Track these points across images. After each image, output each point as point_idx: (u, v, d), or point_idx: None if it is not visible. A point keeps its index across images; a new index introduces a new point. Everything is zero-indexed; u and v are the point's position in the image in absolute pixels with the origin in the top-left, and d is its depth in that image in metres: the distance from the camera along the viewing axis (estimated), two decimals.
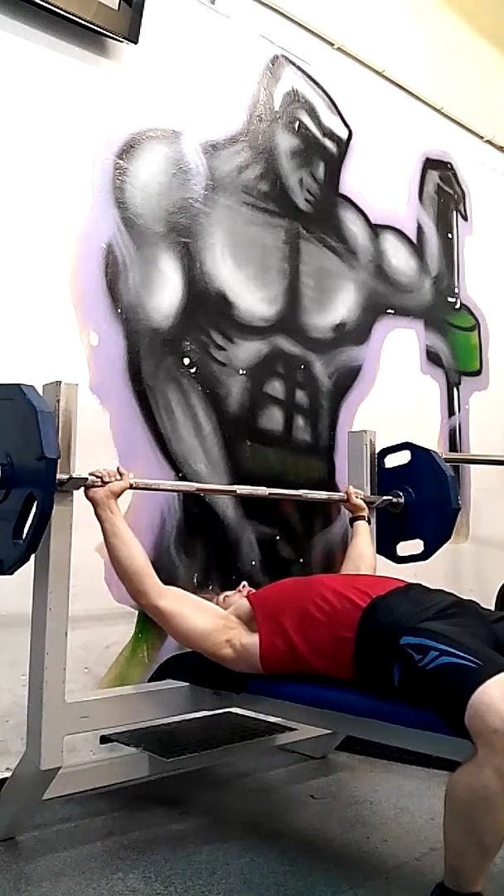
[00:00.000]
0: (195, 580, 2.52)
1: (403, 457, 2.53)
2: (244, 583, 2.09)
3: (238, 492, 2.25)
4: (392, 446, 2.57)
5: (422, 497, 2.45)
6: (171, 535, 2.48)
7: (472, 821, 1.30)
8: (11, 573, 1.62)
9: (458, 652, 1.40)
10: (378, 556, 2.41)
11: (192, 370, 2.60)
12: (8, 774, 1.78)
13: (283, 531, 2.80)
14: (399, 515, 2.47)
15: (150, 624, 2.39)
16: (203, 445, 2.61)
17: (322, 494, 2.51)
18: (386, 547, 2.49)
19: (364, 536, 2.35)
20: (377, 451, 2.55)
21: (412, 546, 2.49)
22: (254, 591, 2.04)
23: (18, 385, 1.60)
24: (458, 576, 3.33)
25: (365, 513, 2.38)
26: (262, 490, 2.20)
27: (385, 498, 2.45)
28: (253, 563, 2.69)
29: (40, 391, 1.78)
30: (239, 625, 1.82)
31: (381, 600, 1.68)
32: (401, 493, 2.47)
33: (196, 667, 1.96)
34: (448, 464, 2.49)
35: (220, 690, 1.94)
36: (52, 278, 2.31)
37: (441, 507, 2.40)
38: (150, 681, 2.15)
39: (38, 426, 1.48)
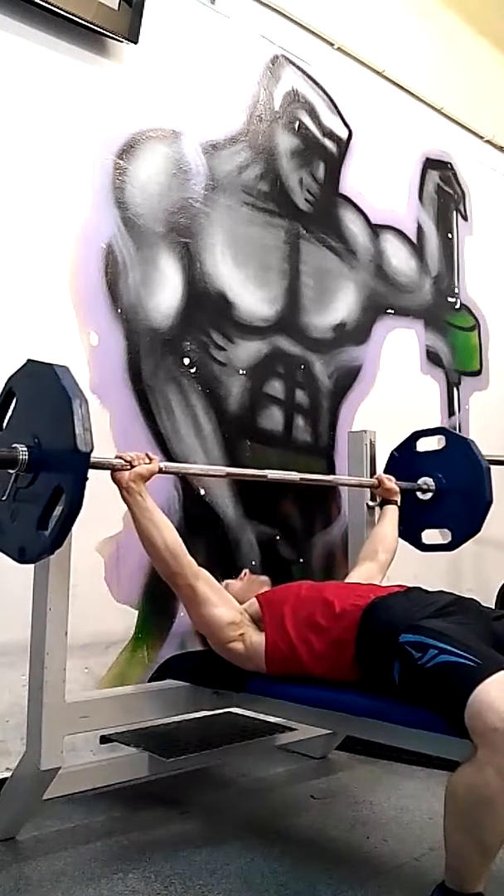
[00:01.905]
0: None
1: (433, 442, 2.48)
2: (246, 570, 2.10)
3: (269, 477, 2.12)
4: (426, 430, 2.53)
5: (454, 485, 2.38)
6: None
7: (472, 821, 1.30)
8: (33, 563, 1.60)
9: (457, 650, 1.40)
10: (401, 541, 2.39)
11: (192, 370, 2.60)
12: (8, 774, 1.78)
13: (283, 531, 2.80)
14: (427, 502, 2.42)
15: (150, 624, 2.39)
16: (203, 445, 2.60)
17: (353, 479, 2.45)
18: (411, 533, 2.45)
19: (392, 519, 2.32)
20: (413, 432, 2.51)
21: (438, 535, 2.45)
22: (256, 578, 2.04)
23: (52, 366, 1.53)
24: (458, 575, 3.33)
25: (397, 498, 2.35)
26: (294, 475, 2.14)
27: (417, 484, 2.40)
28: (253, 563, 2.68)
29: None
30: (249, 621, 1.83)
31: (380, 600, 1.69)
32: (432, 480, 2.41)
33: (196, 667, 1.97)
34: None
35: (221, 689, 1.94)
36: (52, 278, 2.31)
37: (473, 498, 2.33)
38: (150, 681, 2.14)
39: (72, 416, 1.39)
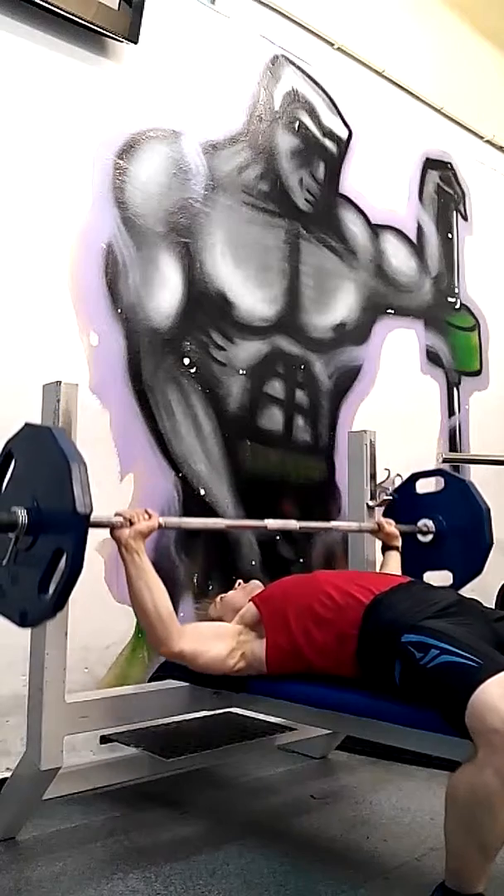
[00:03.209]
0: (195, 580, 2.52)
1: (432, 483, 2.47)
2: (239, 581, 2.10)
3: (269, 526, 2.11)
4: (424, 472, 2.51)
5: (454, 527, 2.36)
6: (171, 535, 2.48)
7: (473, 821, 1.30)
8: (33, 627, 1.60)
9: (458, 651, 1.40)
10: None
11: (192, 370, 2.60)
12: (8, 774, 1.78)
13: (283, 531, 2.80)
14: (428, 545, 2.39)
15: None
16: (203, 445, 2.60)
17: (352, 525, 2.41)
18: (413, 575, 2.40)
19: (395, 566, 2.28)
20: (411, 474, 2.49)
21: (440, 577, 2.44)
22: (249, 584, 2.04)
23: (49, 428, 1.54)
24: None
25: (398, 542, 2.30)
26: (293, 524, 2.13)
27: (417, 527, 2.38)
28: (253, 563, 2.69)
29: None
30: (247, 633, 1.82)
31: (383, 597, 1.68)
32: (432, 522, 2.39)
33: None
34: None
35: (221, 689, 1.94)
36: (52, 278, 2.31)
37: (474, 541, 2.31)
38: (150, 681, 2.14)
39: (70, 478, 1.37)
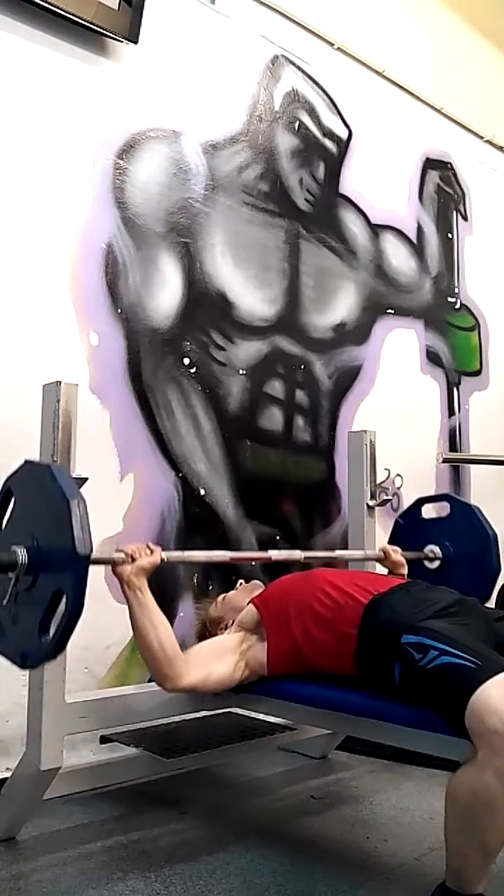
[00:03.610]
0: (195, 580, 2.52)
1: (437, 508, 2.45)
2: (241, 581, 2.09)
3: (273, 558, 2.08)
4: (430, 497, 2.49)
5: (461, 554, 2.32)
6: (171, 535, 2.48)
7: (473, 822, 1.30)
8: (34, 668, 1.59)
9: (457, 652, 1.40)
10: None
11: (192, 370, 2.60)
12: (8, 774, 1.78)
13: (283, 531, 2.80)
14: (435, 571, 2.35)
15: None
16: (203, 445, 2.61)
17: (357, 554, 2.36)
18: None
19: None
20: (417, 498, 2.47)
21: None
22: (250, 584, 2.04)
23: (48, 466, 1.52)
24: None
25: (405, 570, 2.26)
26: (298, 554, 2.09)
27: (424, 553, 2.35)
28: (253, 563, 2.68)
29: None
30: (248, 638, 1.81)
31: (382, 597, 1.68)
32: (438, 549, 2.35)
33: None
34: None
35: None
36: (52, 278, 2.31)
37: (481, 568, 2.27)
38: (150, 681, 2.14)
39: (70, 517, 1.35)
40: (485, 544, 2.28)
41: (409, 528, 2.46)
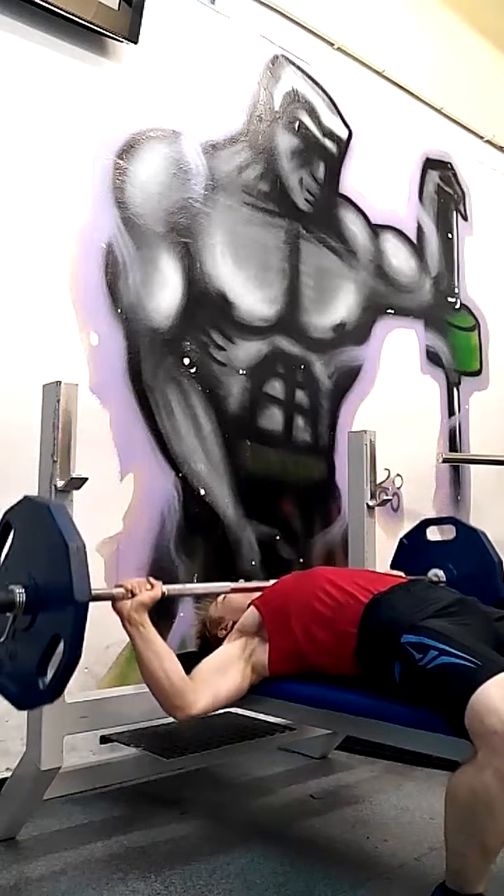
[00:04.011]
0: (195, 580, 2.52)
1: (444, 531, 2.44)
2: (241, 581, 2.09)
3: None
4: (436, 519, 2.47)
5: (465, 578, 2.28)
6: (171, 535, 2.48)
7: (473, 823, 1.30)
8: (30, 710, 1.58)
9: (457, 651, 1.40)
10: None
11: (192, 370, 2.60)
12: (8, 774, 1.78)
13: (283, 531, 2.80)
14: None
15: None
16: (203, 445, 2.61)
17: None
18: None
19: None
20: (422, 520, 2.46)
21: None
22: (249, 585, 2.04)
23: (48, 506, 1.48)
24: None
25: None
26: None
27: (429, 577, 2.32)
28: (253, 563, 2.69)
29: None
30: (250, 642, 1.80)
31: (382, 597, 1.68)
32: (442, 572, 2.33)
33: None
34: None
35: None
36: (52, 278, 2.31)
37: (485, 593, 2.17)
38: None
39: (68, 562, 1.33)
40: (489, 569, 2.25)
41: (413, 550, 2.44)
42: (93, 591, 1.37)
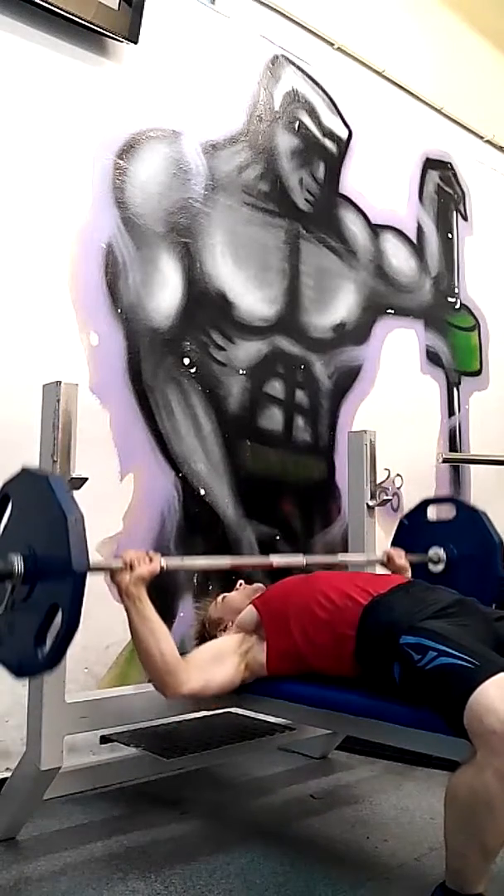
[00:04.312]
0: (195, 580, 2.52)
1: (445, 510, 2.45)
2: (241, 581, 2.09)
3: (275, 564, 2.05)
4: (436, 498, 2.48)
5: (465, 557, 2.31)
6: (171, 535, 2.48)
7: (473, 823, 1.30)
8: (29, 678, 1.59)
9: (455, 652, 1.40)
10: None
11: (192, 370, 2.60)
12: (8, 774, 1.78)
13: (283, 531, 2.80)
14: (439, 574, 2.34)
15: None
16: (203, 445, 2.61)
17: (360, 558, 2.36)
18: None
19: None
20: (423, 500, 2.46)
21: None
22: (251, 586, 2.04)
23: (47, 478, 1.49)
24: None
25: (408, 574, 2.24)
26: (300, 559, 2.08)
27: (429, 556, 2.35)
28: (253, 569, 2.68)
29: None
30: (247, 639, 1.81)
31: (381, 599, 1.68)
32: (443, 551, 2.35)
33: None
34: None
35: None
36: (52, 278, 2.31)
37: (486, 572, 2.25)
38: (150, 681, 2.14)
39: (67, 533, 1.35)
40: (490, 549, 2.27)
41: (414, 530, 2.45)
42: (91, 564, 1.39)
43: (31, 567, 1.43)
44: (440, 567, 2.36)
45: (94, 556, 2.19)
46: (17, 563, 1.43)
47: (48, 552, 1.41)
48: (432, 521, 2.46)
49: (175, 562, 1.88)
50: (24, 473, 1.55)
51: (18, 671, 1.49)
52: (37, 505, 1.47)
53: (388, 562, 2.25)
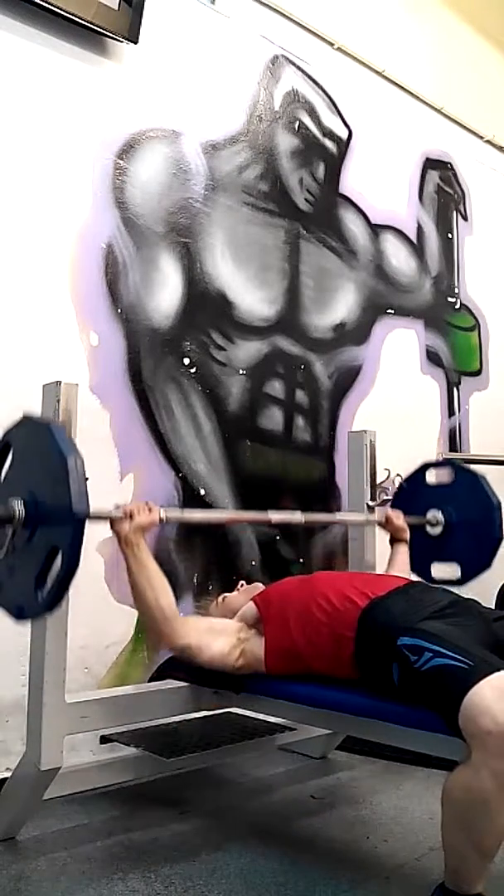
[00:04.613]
0: (195, 580, 2.52)
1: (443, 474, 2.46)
2: (242, 582, 2.09)
3: (272, 519, 2.09)
4: (434, 462, 2.50)
5: (463, 520, 2.33)
6: (170, 535, 2.48)
7: (469, 823, 1.30)
8: (30, 621, 1.61)
9: (450, 653, 1.40)
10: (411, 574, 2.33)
11: (192, 370, 2.60)
12: (8, 774, 1.78)
13: (283, 531, 2.80)
14: (437, 537, 2.37)
15: None
16: (203, 445, 2.61)
17: (359, 517, 2.38)
18: (420, 566, 2.40)
19: (403, 561, 2.26)
20: (422, 463, 2.48)
21: (448, 569, 2.42)
22: (251, 586, 2.04)
23: (48, 424, 1.53)
24: None
25: (406, 535, 2.28)
26: (298, 516, 2.11)
27: (427, 519, 2.36)
28: (253, 563, 2.69)
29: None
30: (247, 631, 1.82)
31: (380, 600, 1.68)
32: (441, 514, 2.37)
33: (196, 667, 1.96)
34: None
35: (221, 689, 1.94)
36: (52, 278, 2.31)
37: (483, 535, 2.28)
38: (150, 681, 2.14)
39: (67, 476, 1.37)
40: (488, 511, 2.29)
41: (413, 493, 2.47)
42: (91, 511, 1.41)
43: (32, 512, 1.45)
44: (438, 529, 2.38)
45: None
46: (18, 507, 1.45)
47: (49, 496, 1.44)
48: (431, 484, 2.46)
49: (175, 514, 1.91)
50: (26, 420, 1.59)
51: (18, 615, 1.52)
52: (38, 451, 1.50)
53: (386, 523, 2.29)
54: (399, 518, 2.28)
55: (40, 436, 1.49)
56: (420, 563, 2.38)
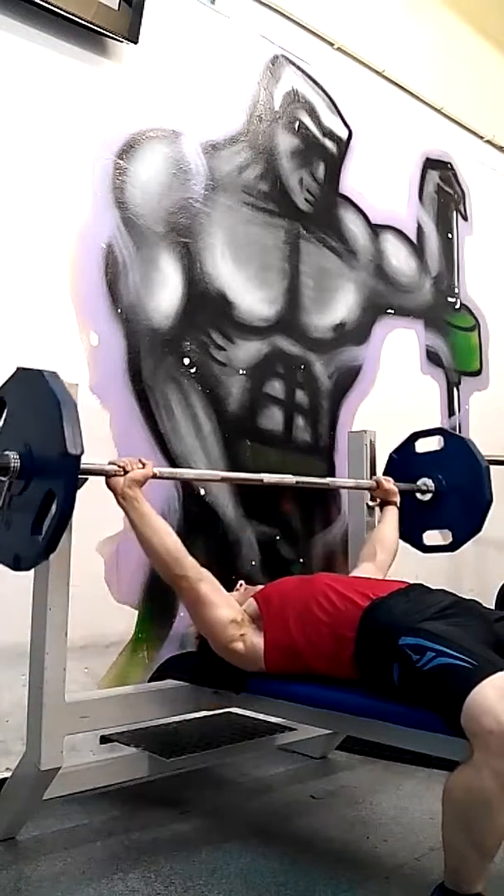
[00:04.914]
0: None
1: (432, 443, 2.49)
2: (241, 582, 2.09)
3: (265, 481, 2.12)
4: (425, 430, 2.54)
5: (453, 486, 2.37)
6: None
7: (470, 823, 1.30)
8: (28, 569, 1.61)
9: (453, 652, 1.40)
10: (403, 543, 2.38)
11: (192, 370, 2.60)
12: (8, 774, 1.78)
13: (283, 531, 2.80)
14: (427, 503, 2.41)
15: (150, 624, 2.39)
16: (203, 445, 2.60)
17: (350, 482, 2.46)
18: (412, 534, 2.44)
19: (392, 521, 2.32)
20: (411, 433, 2.52)
21: (440, 536, 2.45)
22: (252, 587, 2.04)
23: (41, 371, 1.54)
24: (458, 576, 3.32)
25: (397, 499, 2.34)
26: (290, 479, 2.14)
27: (416, 485, 2.40)
28: (253, 563, 2.69)
29: None
30: (249, 621, 1.82)
31: (381, 601, 1.69)
32: (431, 481, 2.41)
33: (196, 667, 1.97)
34: None
35: (220, 689, 1.94)
36: (52, 278, 2.31)
37: (473, 498, 2.33)
38: (150, 681, 2.15)
39: (61, 419, 1.40)
40: (477, 476, 2.33)
41: (403, 462, 2.51)
42: (85, 465, 1.43)
43: (28, 463, 1.48)
44: (428, 496, 2.41)
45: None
46: (13, 459, 1.47)
47: (43, 445, 1.46)
48: (421, 452, 2.49)
49: (168, 471, 1.94)
50: (19, 372, 1.61)
51: (16, 564, 1.53)
52: (32, 401, 1.53)
53: (377, 487, 2.34)
54: (389, 482, 2.34)
55: (34, 385, 1.52)
56: (412, 532, 2.42)
